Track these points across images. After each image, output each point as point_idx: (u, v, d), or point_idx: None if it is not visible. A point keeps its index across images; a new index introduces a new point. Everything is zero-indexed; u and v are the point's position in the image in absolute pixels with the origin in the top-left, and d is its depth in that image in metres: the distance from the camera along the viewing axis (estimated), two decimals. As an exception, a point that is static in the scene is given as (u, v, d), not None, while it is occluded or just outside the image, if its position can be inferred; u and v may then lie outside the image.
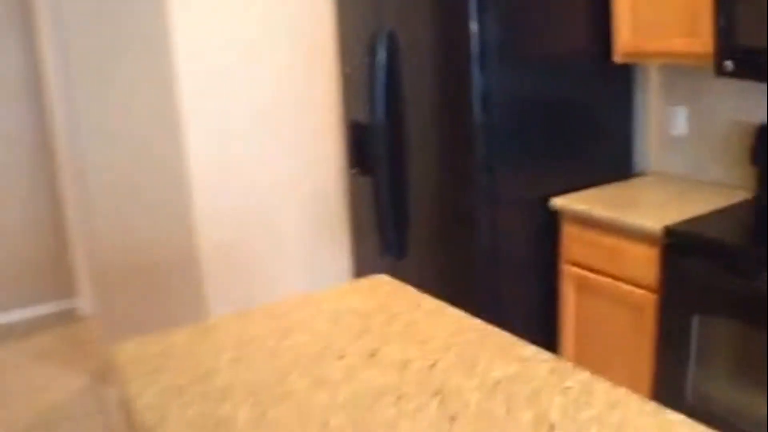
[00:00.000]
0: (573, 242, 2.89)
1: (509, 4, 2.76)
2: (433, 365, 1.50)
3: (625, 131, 3.25)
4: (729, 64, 2.46)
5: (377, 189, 3.34)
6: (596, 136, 3.14)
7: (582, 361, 2.91)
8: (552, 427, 1.25)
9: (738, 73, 2.46)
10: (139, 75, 3.39)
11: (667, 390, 2.55)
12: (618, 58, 2.95)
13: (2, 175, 4.67)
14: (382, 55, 3.14)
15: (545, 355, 1.52)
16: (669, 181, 3.12)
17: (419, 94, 3.03)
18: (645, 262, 2.57)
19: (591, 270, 2.83)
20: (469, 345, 1.58)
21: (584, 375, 1.42)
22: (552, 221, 2.97)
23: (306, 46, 3.61)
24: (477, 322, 1.70)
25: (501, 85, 2.79)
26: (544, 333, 3.06)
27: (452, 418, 1.29)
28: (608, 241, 2.72)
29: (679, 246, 2.44)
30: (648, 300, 2.58)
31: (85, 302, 4.74)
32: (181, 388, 1.46)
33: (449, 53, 2.83)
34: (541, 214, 2.97)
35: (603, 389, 1.37)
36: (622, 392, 1.35)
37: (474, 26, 2.70)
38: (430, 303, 1.84)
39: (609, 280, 2.75)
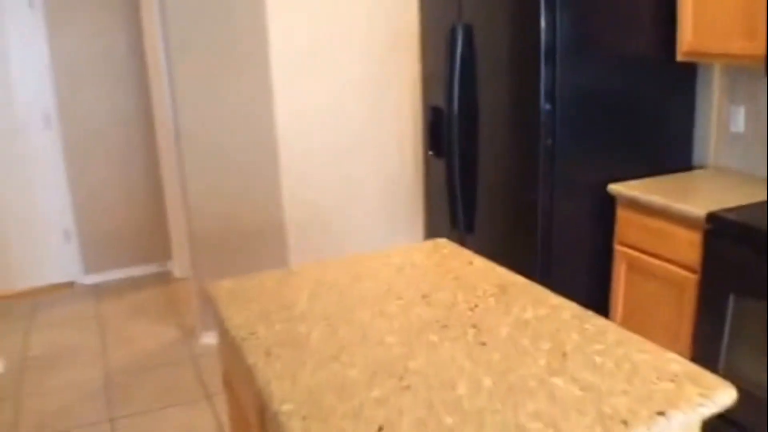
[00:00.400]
0: (626, 225, 3.12)
1: (577, 3, 3.00)
2: (474, 306, 1.79)
3: (685, 126, 3.44)
4: (779, 65, 2.65)
5: (450, 170, 3.63)
6: (657, 129, 3.35)
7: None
8: (564, 355, 1.53)
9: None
10: (236, 54, 3.75)
11: (703, 361, 2.76)
12: (680, 57, 3.15)
13: (113, 152, 5.16)
14: (458, 47, 3.42)
15: (571, 304, 1.79)
16: (724, 175, 3.30)
17: (491, 84, 3.30)
18: (689, 245, 2.79)
19: (641, 251, 3.06)
20: (508, 294, 1.86)
21: (601, 321, 1.69)
22: (609, 205, 3.20)
23: (392, 35, 3.91)
24: (519, 278, 1.98)
25: (566, 78, 3.04)
26: (596, 308, 3.30)
27: (483, 344, 1.58)
28: (657, 224, 2.95)
29: (719, 231, 2.65)
30: (690, 280, 2.80)
31: (179, 265, 5.18)
32: (267, 314, 1.80)
33: (519, 47, 3.09)
34: (600, 198, 3.20)
35: (615, 331, 1.63)
36: (630, 335, 1.61)
37: (543, 23, 2.96)
38: (480, 262, 2.13)
39: (656, 260, 2.98)
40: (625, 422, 1.27)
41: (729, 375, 2.60)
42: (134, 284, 5.24)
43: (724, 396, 1.40)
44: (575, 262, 3.27)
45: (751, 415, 2.57)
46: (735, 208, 2.76)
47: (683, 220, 2.81)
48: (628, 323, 3.17)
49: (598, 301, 3.30)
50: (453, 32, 3.45)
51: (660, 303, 2.99)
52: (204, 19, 3.70)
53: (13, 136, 4.93)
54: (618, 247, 3.19)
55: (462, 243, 3.56)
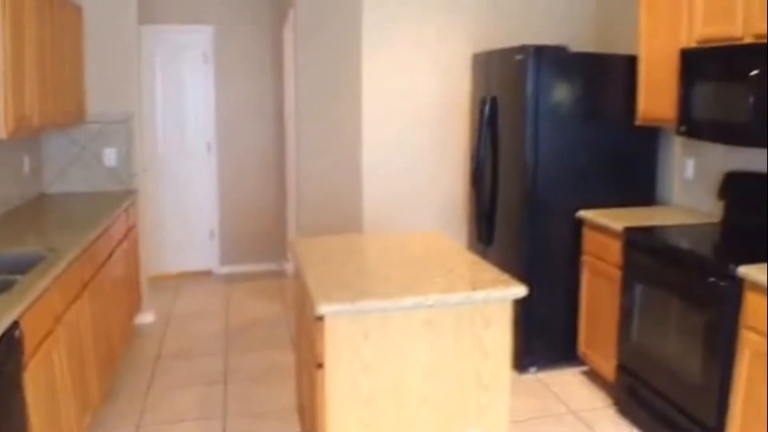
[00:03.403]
0: (588, 240, 4.36)
1: (559, 78, 4.33)
2: (424, 256, 3.17)
3: (649, 172, 4.64)
4: (682, 128, 3.88)
5: (478, 197, 4.98)
6: (625, 174, 4.56)
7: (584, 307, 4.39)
8: (451, 270, 2.88)
9: (688, 134, 3.86)
10: (340, 105, 5.27)
11: (625, 326, 3.97)
12: (638, 122, 4.39)
13: (253, 174, 6.88)
14: (486, 111, 4.80)
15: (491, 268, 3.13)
16: (674, 209, 4.46)
17: (505, 137, 4.65)
18: (616, 250, 4.02)
19: (596, 257, 4.28)
20: (447, 256, 3.23)
21: (485, 267, 3.03)
22: (579, 226, 4.45)
23: (453, 100, 5.25)
24: (468, 256, 3.33)
25: (547, 136, 4.36)
26: (566, 299, 4.53)
27: (420, 265, 2.97)
28: (603, 238, 4.18)
29: (630, 240, 3.88)
30: (615, 274, 4.02)
31: (290, 265, 6.74)
32: (323, 257, 3.25)
33: (517, 113, 4.44)
34: (572, 221, 4.45)
35: (484, 268, 2.97)
36: (485, 268, 2.94)
37: (528, 95, 4.30)
38: (456, 246, 3.50)
39: (603, 263, 4.20)
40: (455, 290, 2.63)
41: (640, 337, 3.77)
42: (256, 276, 6.89)
43: (518, 289, 2.70)
44: (554, 267, 4.51)
45: (651, 368, 3.72)
46: (653, 226, 3.96)
47: (616, 234, 4.03)
48: (590, 306, 4.37)
49: (568, 292, 4.51)
50: (483, 102, 4.84)
51: (606, 293, 4.18)
52: (320, 81, 5.28)
53: (184, 157, 6.81)
54: (584, 256, 4.43)
55: (484, 253, 4.87)
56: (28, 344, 2.65)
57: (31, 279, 2.84)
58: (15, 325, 2.51)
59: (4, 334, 2.39)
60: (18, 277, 2.88)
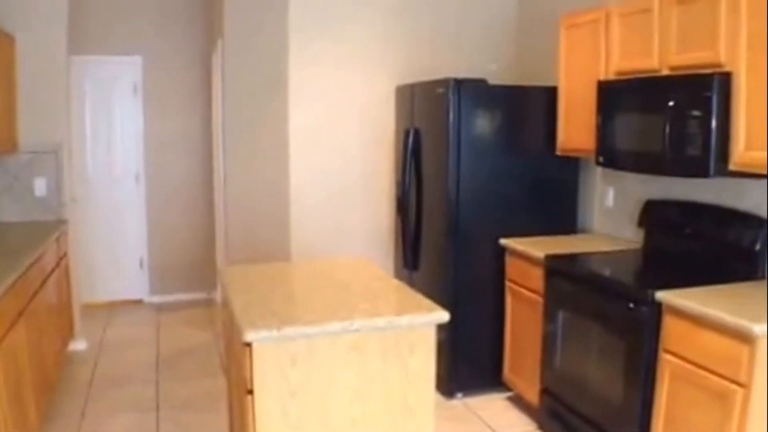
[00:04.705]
0: (510, 267, 4.50)
1: (478, 105, 4.48)
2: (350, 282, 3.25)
3: (571, 201, 4.82)
4: (601, 158, 4.05)
5: (404, 225, 5.09)
6: (547, 202, 4.73)
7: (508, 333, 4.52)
8: (376, 295, 2.97)
9: (607, 164, 4.03)
10: (266, 136, 5.34)
11: (548, 353, 4.10)
12: (558, 152, 4.56)
13: (181, 203, 6.87)
14: (410, 142, 4.93)
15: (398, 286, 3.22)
16: (595, 237, 4.64)
17: (429, 167, 4.77)
18: (538, 277, 4.16)
19: (518, 285, 4.42)
20: (373, 286, 3.32)
21: (404, 292, 3.12)
22: (503, 254, 4.59)
23: (378, 131, 5.37)
24: (392, 282, 3.41)
25: (470, 164, 4.49)
26: (491, 325, 4.65)
27: (345, 290, 3.04)
28: (524, 265, 4.33)
29: (552, 267, 4.02)
30: (538, 300, 4.16)
31: (220, 293, 6.73)
32: (251, 285, 3.30)
33: (439, 143, 4.57)
34: (496, 249, 4.59)
35: (400, 292, 3.07)
36: (409, 296, 3.03)
37: (450, 128, 4.44)
38: (381, 273, 3.58)
39: (525, 290, 4.33)
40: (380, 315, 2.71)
41: (563, 362, 3.90)
42: (187, 304, 6.86)
43: (441, 314, 2.79)
44: (479, 293, 4.63)
45: (575, 392, 3.84)
46: (573, 253, 4.12)
47: (537, 262, 4.17)
48: (514, 332, 4.50)
49: (494, 320, 4.63)
50: (407, 133, 4.97)
51: (529, 319, 4.31)
52: (249, 110, 5.34)
53: (111, 187, 6.76)
54: (507, 283, 4.56)
55: (410, 279, 4.97)
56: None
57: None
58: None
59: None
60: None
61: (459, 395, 4.62)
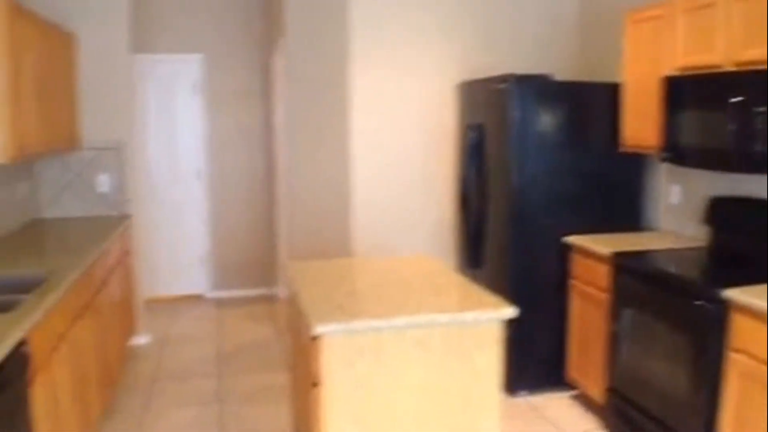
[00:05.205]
0: (575, 264, 4.45)
1: (540, 101, 4.44)
2: (412, 278, 3.25)
3: (635, 198, 4.73)
4: (666, 155, 3.98)
5: (466, 222, 5.07)
6: (611, 200, 4.66)
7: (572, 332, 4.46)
8: (438, 289, 2.96)
9: (672, 161, 3.96)
10: (328, 134, 5.37)
11: (614, 350, 4.04)
12: (622, 149, 4.49)
13: (243, 200, 6.95)
14: (473, 138, 4.90)
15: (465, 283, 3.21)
16: (660, 234, 4.55)
17: (491, 163, 4.74)
18: (604, 274, 4.10)
19: (583, 282, 4.37)
20: (437, 282, 3.31)
21: (469, 288, 3.10)
22: (566, 251, 4.54)
23: (439, 126, 5.37)
24: (457, 277, 3.40)
25: (533, 160, 4.45)
26: (554, 323, 4.60)
27: (410, 286, 3.04)
28: (589, 262, 4.27)
29: (619, 264, 3.96)
30: (603, 298, 4.10)
31: (282, 289, 6.78)
32: (316, 280, 3.32)
33: (503, 139, 4.53)
34: (559, 246, 4.54)
35: (467, 288, 3.05)
36: (473, 291, 3.02)
37: (514, 120, 4.41)
38: (444, 268, 3.57)
39: (588, 287, 4.28)
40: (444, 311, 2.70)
41: (629, 360, 3.85)
42: (247, 300, 6.94)
43: (507, 310, 2.78)
44: (542, 291, 4.58)
45: (641, 391, 3.79)
46: (641, 251, 4.05)
47: (603, 259, 4.12)
48: (579, 330, 4.45)
49: (558, 315, 4.58)
50: (470, 129, 4.94)
51: (594, 317, 4.26)
52: (311, 108, 5.37)
53: (173, 183, 6.86)
54: (572, 281, 4.51)
55: (473, 277, 4.94)
56: (35, 361, 2.72)
57: (36, 299, 2.91)
58: (23, 342, 2.58)
59: (13, 351, 2.45)
60: (22, 296, 2.95)
61: (522, 393, 4.58)
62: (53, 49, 4.58)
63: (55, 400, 3.01)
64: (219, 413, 4.36)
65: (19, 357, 2.53)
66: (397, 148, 5.26)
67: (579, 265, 4.42)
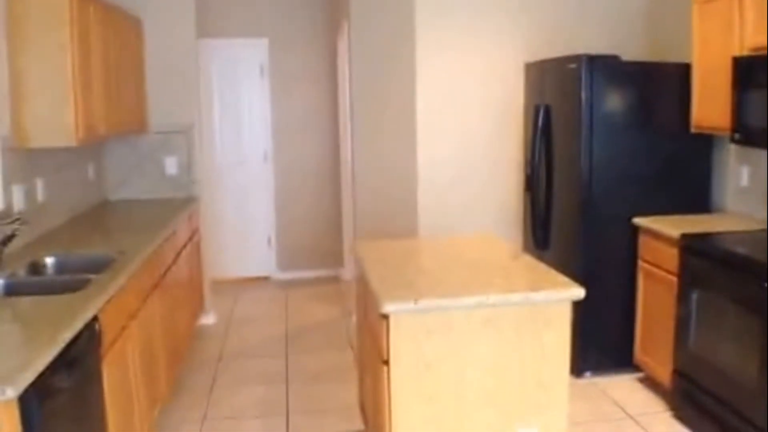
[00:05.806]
0: (644, 246, 4.40)
1: (610, 82, 4.40)
2: (481, 259, 3.27)
3: (704, 180, 4.65)
4: (736, 136, 3.91)
5: (533, 203, 5.06)
6: (680, 181, 4.59)
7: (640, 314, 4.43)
8: (508, 272, 2.98)
9: (742, 142, 3.89)
10: (394, 116, 5.40)
11: (682, 331, 4.00)
12: (693, 129, 4.42)
13: (308, 183, 7.05)
14: (541, 119, 4.88)
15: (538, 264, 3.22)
16: (729, 216, 4.47)
17: (559, 144, 4.72)
18: (673, 256, 4.05)
19: (652, 264, 4.32)
20: (505, 261, 3.32)
21: (539, 266, 3.11)
22: (634, 233, 4.49)
23: (508, 109, 5.35)
24: (524, 258, 3.41)
25: (602, 141, 4.42)
26: (621, 305, 4.57)
27: (478, 266, 3.06)
28: (658, 244, 4.22)
29: (688, 246, 3.92)
30: (672, 280, 4.06)
31: (347, 271, 6.86)
32: (385, 260, 3.37)
33: (572, 121, 4.50)
34: (627, 228, 4.50)
35: (539, 269, 3.05)
36: (545, 272, 3.02)
37: (583, 101, 4.37)
38: (508, 248, 3.59)
39: (656, 269, 4.24)
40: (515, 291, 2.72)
41: (697, 343, 3.81)
42: (313, 281, 7.05)
43: (577, 291, 2.78)
44: (609, 273, 4.55)
45: (708, 373, 3.75)
46: (708, 232, 3.99)
47: (672, 241, 4.07)
48: (647, 312, 4.41)
49: (626, 297, 4.55)
50: (537, 110, 4.92)
51: (662, 299, 4.21)
52: (375, 90, 5.41)
53: (240, 167, 6.99)
54: (640, 263, 4.47)
55: (540, 258, 4.92)
56: (106, 337, 2.83)
57: (106, 277, 3.03)
58: (95, 319, 2.68)
59: (85, 327, 2.55)
60: (92, 276, 3.06)
61: (588, 374, 4.57)
62: (121, 34, 4.70)
63: (125, 375, 3.13)
64: (285, 391, 4.46)
65: (91, 334, 2.63)
66: (462, 130, 5.25)
67: (647, 247, 4.37)
